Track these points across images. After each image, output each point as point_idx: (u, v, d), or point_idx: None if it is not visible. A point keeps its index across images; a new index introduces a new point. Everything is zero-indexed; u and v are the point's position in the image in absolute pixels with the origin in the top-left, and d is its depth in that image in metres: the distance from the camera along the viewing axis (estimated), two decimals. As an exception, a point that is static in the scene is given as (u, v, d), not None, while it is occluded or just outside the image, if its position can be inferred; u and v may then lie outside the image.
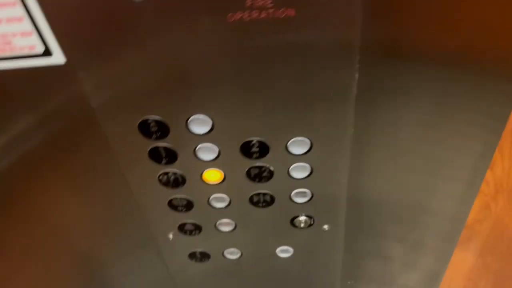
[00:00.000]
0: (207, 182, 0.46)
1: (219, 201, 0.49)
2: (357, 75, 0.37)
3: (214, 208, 0.49)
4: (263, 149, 0.43)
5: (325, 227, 0.52)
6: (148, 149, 0.42)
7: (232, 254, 0.57)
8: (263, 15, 0.32)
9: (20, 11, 0.32)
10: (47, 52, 0.35)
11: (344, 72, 0.37)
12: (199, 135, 0.41)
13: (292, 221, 0.51)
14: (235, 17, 0.32)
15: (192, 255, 0.57)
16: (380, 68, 0.37)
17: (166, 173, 0.45)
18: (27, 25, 0.33)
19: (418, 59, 0.37)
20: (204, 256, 0.57)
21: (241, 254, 0.57)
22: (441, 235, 0.58)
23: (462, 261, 0.74)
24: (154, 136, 0.41)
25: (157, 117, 0.40)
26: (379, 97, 0.40)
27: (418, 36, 0.35)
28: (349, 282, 0.63)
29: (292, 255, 0.57)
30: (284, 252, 0.56)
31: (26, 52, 0.35)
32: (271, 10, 0.32)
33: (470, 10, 0.33)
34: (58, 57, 0.35)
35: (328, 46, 0.34)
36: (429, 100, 0.40)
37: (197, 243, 0.55)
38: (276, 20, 0.32)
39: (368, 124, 0.42)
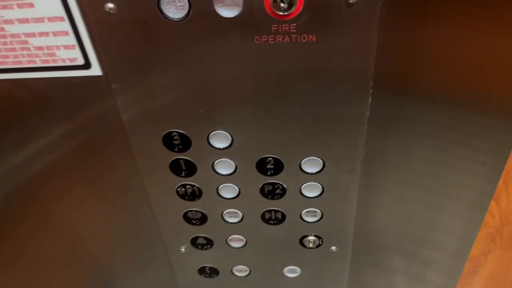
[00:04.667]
0: (222, 196, 0.48)
1: (232, 216, 0.51)
2: (370, 101, 0.40)
3: (227, 222, 0.51)
4: (278, 167, 0.45)
5: (333, 248, 0.54)
6: (170, 161, 0.45)
7: (241, 271, 0.58)
8: (287, 39, 0.35)
9: (67, 26, 0.36)
10: (86, 65, 0.38)
11: (357, 97, 0.39)
12: (218, 149, 0.44)
13: (301, 241, 0.53)
14: (262, 40, 0.35)
15: (201, 270, 0.58)
16: (392, 96, 0.40)
17: (184, 185, 0.47)
18: (72, 39, 0.36)
19: (426, 94, 0.40)
20: (213, 272, 0.58)
21: (249, 272, 0.58)
22: (445, 266, 0.59)
23: (467, 295, 0.74)
24: (176, 148, 0.44)
25: (180, 131, 0.42)
26: (389, 124, 0.42)
27: (427, 72, 0.38)
28: (354, 307, 0.63)
29: (299, 276, 0.58)
30: (292, 272, 0.58)
31: (67, 63, 0.38)
32: (294, 35, 0.35)
33: (474, 54, 0.37)
34: (96, 70, 0.38)
35: (344, 72, 0.37)
36: (434, 134, 0.43)
37: (207, 258, 0.57)
38: (298, 44, 0.35)
39: (378, 149, 0.44)
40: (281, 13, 0.33)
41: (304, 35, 0.35)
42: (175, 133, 0.42)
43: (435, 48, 0.37)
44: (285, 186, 0.47)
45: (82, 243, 0.55)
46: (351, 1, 0.32)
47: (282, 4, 0.33)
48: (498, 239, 0.64)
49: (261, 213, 0.50)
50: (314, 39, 0.35)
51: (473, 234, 0.56)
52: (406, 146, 0.44)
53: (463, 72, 0.38)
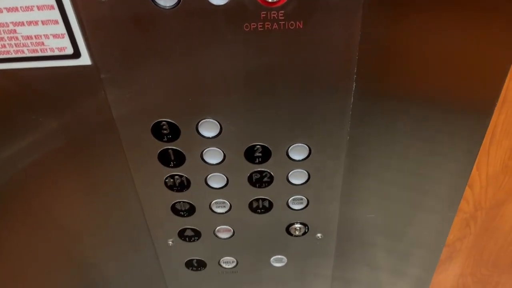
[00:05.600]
0: (210, 186, 0.49)
1: (220, 206, 0.51)
2: (354, 86, 0.41)
3: (214, 213, 0.52)
4: (266, 154, 0.46)
5: (319, 235, 0.55)
6: (159, 151, 0.45)
7: (228, 263, 0.59)
8: (275, 26, 0.36)
9: (56, 14, 0.36)
10: (76, 54, 0.38)
11: (342, 84, 0.41)
12: (207, 138, 0.44)
13: (288, 229, 0.54)
14: (251, 27, 0.36)
15: (189, 263, 0.58)
16: (375, 84, 0.42)
17: (173, 176, 0.48)
18: (61, 27, 0.37)
19: (408, 84, 0.42)
20: (201, 265, 0.59)
21: (237, 263, 0.59)
22: (424, 252, 0.61)
23: (444, 281, 0.77)
24: (165, 138, 0.44)
25: (170, 120, 0.43)
26: (373, 111, 0.44)
27: (409, 62, 0.40)
28: (338, 295, 0.65)
29: (286, 265, 0.59)
30: (278, 261, 0.59)
31: (56, 53, 0.38)
32: (282, 22, 0.36)
33: (446, 62, 0.40)
34: (85, 59, 0.38)
35: (329, 58, 0.39)
36: (416, 123, 0.45)
37: (194, 251, 0.57)
38: (286, 31, 0.37)
39: (362, 137, 0.46)
40: (269, 0, 0.35)
41: (292, 22, 0.36)
42: (164, 122, 0.43)
43: (418, 38, 0.39)
44: (272, 174, 0.48)
45: (67, 237, 0.54)
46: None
47: (271, -9, 0.34)
48: (472, 224, 0.67)
49: (249, 202, 0.51)
50: (301, 26, 0.36)
51: (451, 220, 0.58)
52: (389, 133, 0.46)
53: (443, 67, 0.40)
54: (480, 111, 0.44)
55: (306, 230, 0.54)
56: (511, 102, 0.47)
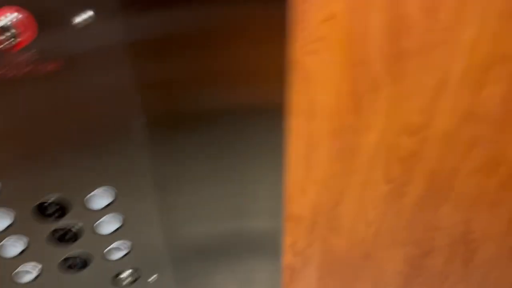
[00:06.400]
0: (4, 256, 0.42)
1: (24, 275, 0.44)
2: (143, 119, 0.39)
3: (19, 284, 0.45)
4: (64, 207, 0.41)
5: (153, 277, 0.51)
6: None
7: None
8: (27, 70, 0.32)
9: None
10: None
11: (127, 117, 0.38)
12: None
13: (116, 279, 0.49)
14: (-5, 74, 0.31)
15: None
16: (164, 111, 0.40)
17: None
18: None
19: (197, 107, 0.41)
20: None
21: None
22: (266, 266, 0.60)
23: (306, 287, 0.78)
24: None
25: None
26: (170, 136, 0.42)
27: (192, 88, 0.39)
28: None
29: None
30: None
31: None
32: (32, 66, 0.32)
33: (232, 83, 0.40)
34: None
35: (103, 93, 0.35)
36: (215, 139, 0.44)
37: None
38: (43, 75, 0.33)
39: (165, 165, 0.43)
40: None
41: (48, 64, 0.32)
42: None
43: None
44: (78, 226, 0.43)
45: None
46: (75, 23, 0.31)
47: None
48: (316, 228, 0.69)
49: (59, 262, 0.45)
50: (58, 68, 0.33)
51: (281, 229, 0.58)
52: (193, 155, 0.44)
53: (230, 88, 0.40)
54: (276, 121, 0.45)
55: (137, 276, 0.50)
56: (320, 110, 0.49)
